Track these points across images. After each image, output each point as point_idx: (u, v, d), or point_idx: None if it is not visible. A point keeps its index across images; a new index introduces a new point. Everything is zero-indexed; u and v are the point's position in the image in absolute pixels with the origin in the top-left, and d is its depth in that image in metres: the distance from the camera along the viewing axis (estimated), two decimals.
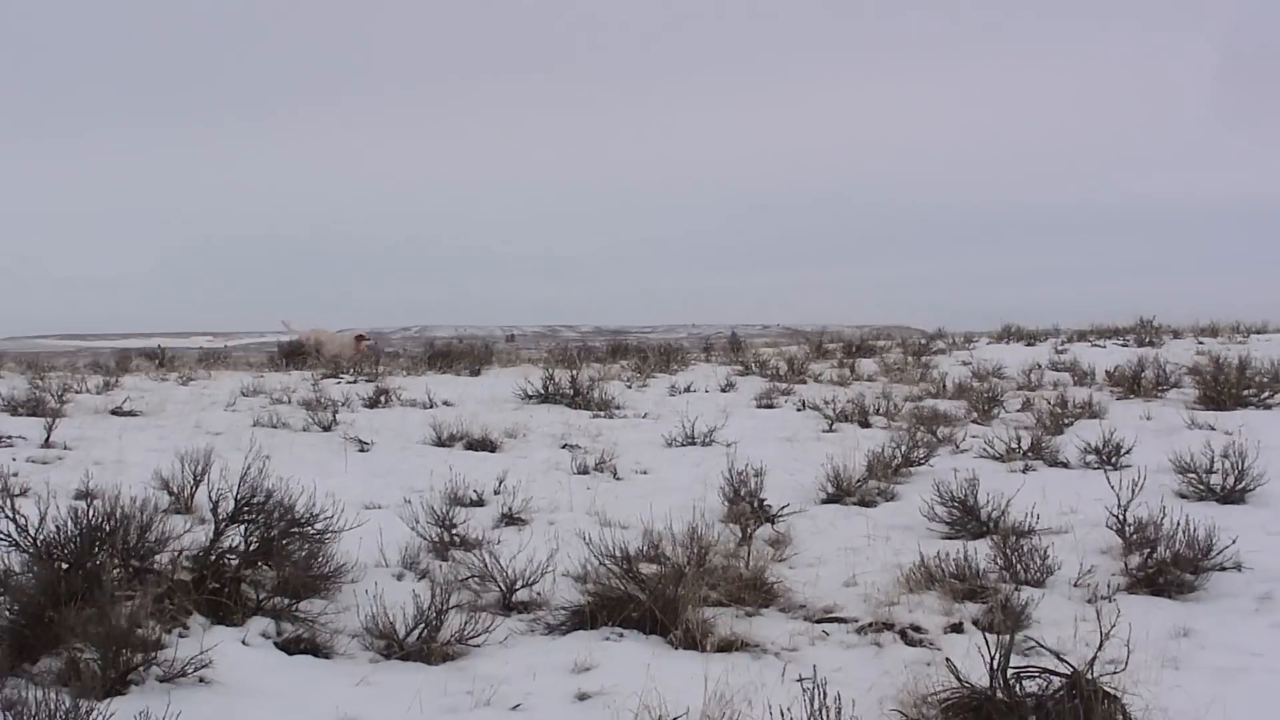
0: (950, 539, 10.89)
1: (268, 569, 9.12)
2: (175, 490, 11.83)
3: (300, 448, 15.18)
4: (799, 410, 19.15)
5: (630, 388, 22.02)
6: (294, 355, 27.10)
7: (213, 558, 8.83)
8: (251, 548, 9.06)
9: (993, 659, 6.29)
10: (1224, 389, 18.60)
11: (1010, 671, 6.29)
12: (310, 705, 6.98)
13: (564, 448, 15.64)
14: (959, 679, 6.45)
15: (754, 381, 22.98)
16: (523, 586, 9.19)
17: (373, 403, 18.86)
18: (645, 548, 9.74)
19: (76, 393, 19.53)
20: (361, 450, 15.21)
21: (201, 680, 7.28)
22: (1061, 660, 6.32)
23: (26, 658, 7.48)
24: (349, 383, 22.00)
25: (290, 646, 8.13)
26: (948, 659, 6.59)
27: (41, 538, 8.28)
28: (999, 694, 6.26)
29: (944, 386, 21.47)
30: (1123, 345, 29.12)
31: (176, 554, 8.82)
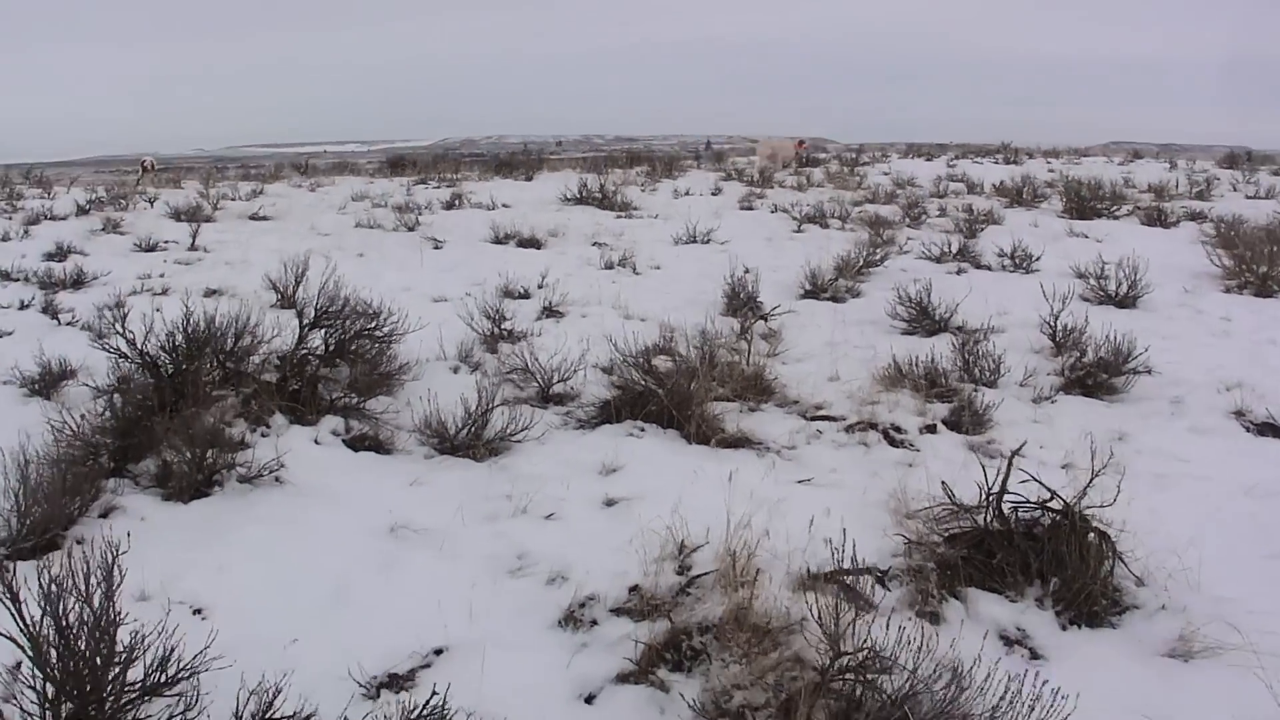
0: (909, 335, 9.23)
1: (344, 366, 7.55)
2: (281, 289, 10.12)
3: (389, 245, 13.26)
4: (772, 213, 17.03)
5: (644, 191, 19.65)
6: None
7: (295, 360, 7.31)
8: (329, 348, 7.55)
9: (989, 490, 4.62)
10: (1084, 203, 17.14)
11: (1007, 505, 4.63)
12: (367, 509, 5.40)
13: (594, 245, 13.63)
14: (954, 502, 4.78)
15: (735, 187, 20.67)
16: (559, 381, 7.54)
17: (449, 205, 16.83)
18: (661, 341, 8.22)
19: (230, 200, 17.67)
20: (436, 248, 13.27)
21: (277, 480, 5.70)
22: (1055, 495, 4.60)
23: (131, 458, 5.95)
24: (433, 187, 19.91)
25: (356, 444, 6.51)
26: (944, 483, 4.87)
27: (148, 349, 6.76)
28: (995, 524, 4.60)
29: (876, 194, 19.33)
30: (995, 163, 27.06)
31: (265, 357, 7.26)
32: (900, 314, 9.55)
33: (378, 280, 11.26)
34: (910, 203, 17.71)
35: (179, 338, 6.91)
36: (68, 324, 9.31)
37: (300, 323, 7.55)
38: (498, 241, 13.70)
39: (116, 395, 6.64)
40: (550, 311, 10.04)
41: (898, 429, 6.65)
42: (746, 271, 10.92)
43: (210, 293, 10.47)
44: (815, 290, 10.95)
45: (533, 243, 13.61)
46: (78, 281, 10.67)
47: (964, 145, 32.24)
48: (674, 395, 6.82)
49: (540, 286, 10.92)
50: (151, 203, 16.21)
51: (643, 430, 6.75)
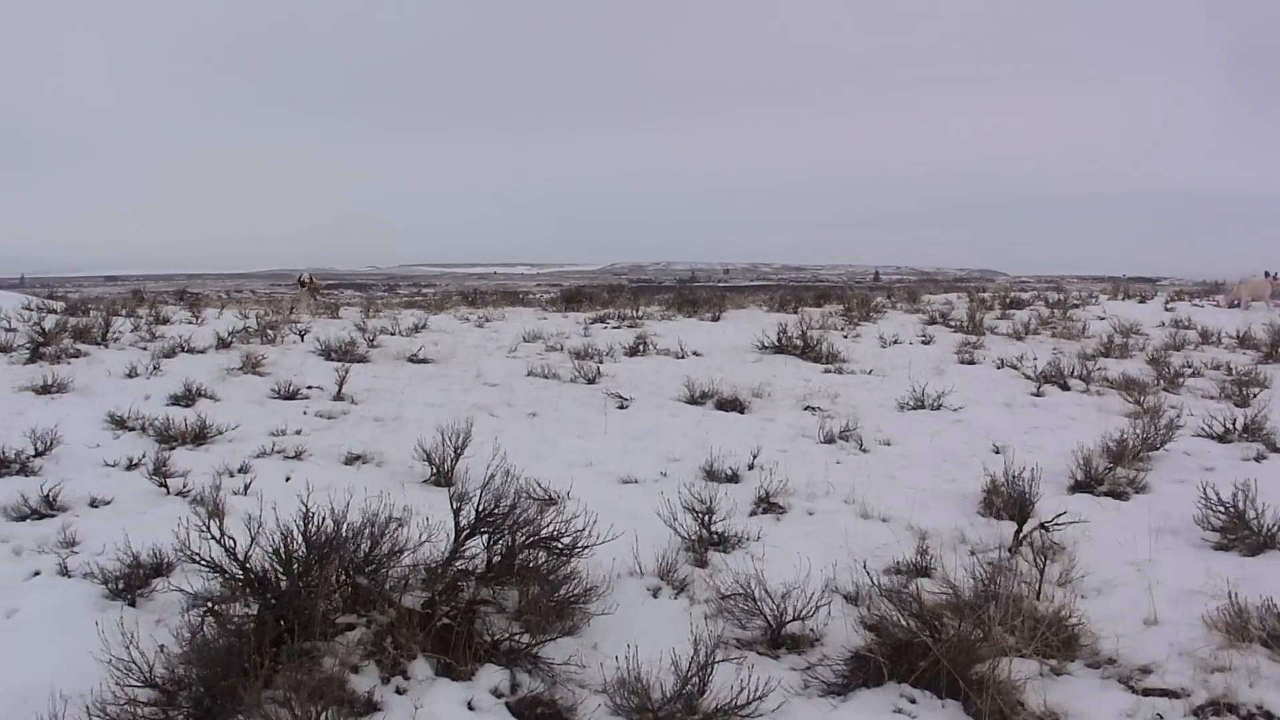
0: (1222, 549, 7.50)
1: (509, 587, 6.12)
2: (436, 463, 8.86)
3: (566, 402, 12.02)
4: (998, 368, 15.22)
5: (846, 337, 18.01)
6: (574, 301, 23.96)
7: (448, 577, 5.91)
8: (493, 562, 6.12)
9: None
10: None
11: None
12: None
13: (806, 409, 12.12)
14: None
15: (944, 334, 18.81)
16: (794, 619, 5.96)
17: (633, 351, 15.54)
18: (918, 557, 7.01)
19: (390, 334, 16.84)
20: (621, 407, 11.96)
21: None
22: None
23: (218, 715, 4.79)
24: (613, 327, 18.71)
25: (525, 711, 5.07)
26: None
27: (254, 558, 5.51)
28: None
29: (1109, 345, 17.14)
30: (1216, 306, 24.47)
31: (409, 570, 5.96)
32: (1210, 521, 7.76)
33: (553, 450, 9.98)
34: (1154, 358, 15.87)
35: (295, 541, 5.62)
36: (177, 493, 8.27)
37: (456, 523, 6.23)
38: (693, 401, 12.28)
39: (208, 620, 5.39)
40: (768, 505, 8.55)
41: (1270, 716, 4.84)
42: (997, 451, 9.89)
43: (352, 459, 9.34)
44: (1089, 482, 9.22)
45: (734, 405, 12.14)
46: (200, 436, 9.67)
47: (1153, 279, 29.67)
48: (952, 650, 5.31)
49: (751, 467, 9.55)
50: (302, 335, 15.46)
51: (913, 703, 5.27)
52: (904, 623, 5.71)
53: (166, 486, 8.26)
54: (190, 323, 17.64)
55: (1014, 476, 8.30)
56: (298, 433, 10.15)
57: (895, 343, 17.25)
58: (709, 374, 13.54)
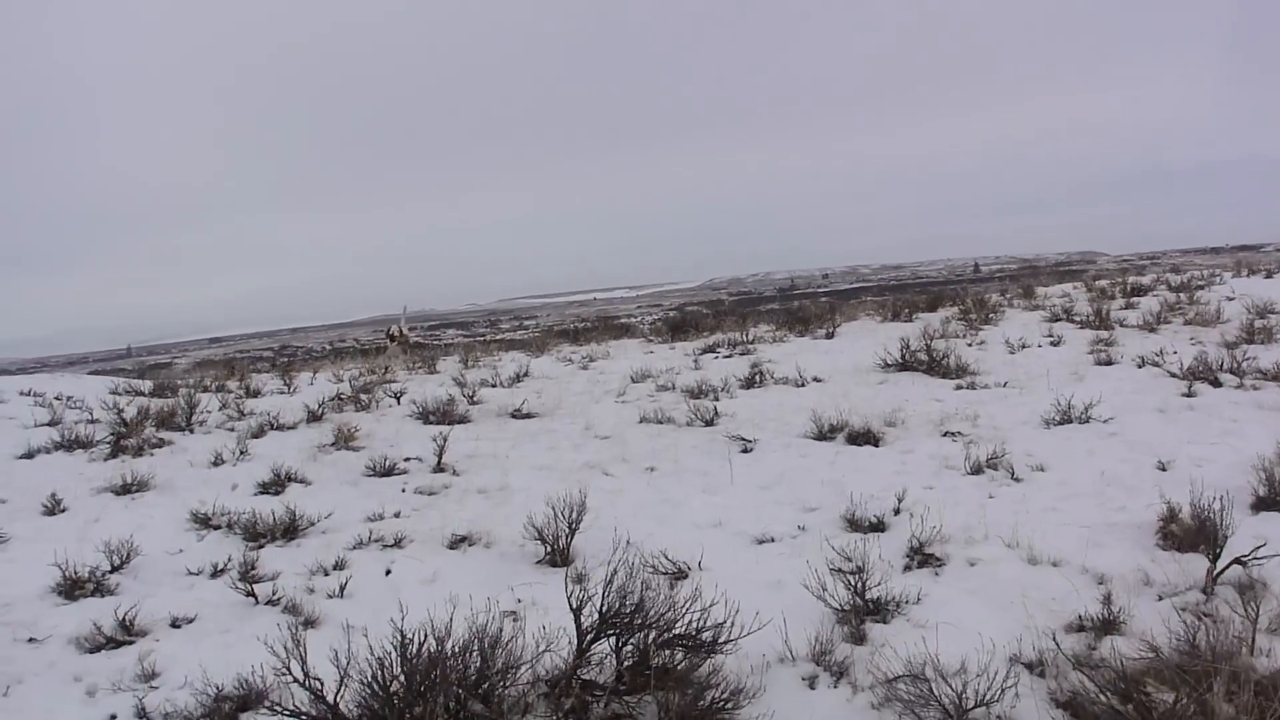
0: None
1: (645, 696, 5.40)
2: (549, 540, 8.16)
3: (685, 450, 11.26)
4: (1139, 367, 13.99)
5: (970, 345, 16.84)
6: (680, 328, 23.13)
7: (572, 692, 5.21)
8: (623, 668, 5.40)
9: None
10: None
11: None
12: None
13: (946, 435, 11.19)
14: None
15: (1070, 332, 17.38)
16: (977, 705, 5.16)
17: (749, 383, 14.67)
18: (1103, 611, 6.28)
19: (490, 386, 16.24)
20: (745, 450, 11.17)
21: None
22: None
23: None
24: (724, 356, 17.85)
25: None
26: None
27: (345, 700, 4.86)
28: None
29: (1250, 331, 15.72)
30: None
31: (529, 686, 5.38)
32: None
33: (676, 511, 9.25)
34: None
35: (393, 669, 4.97)
36: (266, 602, 7.71)
37: (578, 625, 5.51)
38: (821, 437, 11.45)
39: None
40: (922, 557, 7.82)
41: None
42: (1163, 469, 9.46)
43: (456, 541, 8.75)
44: (1274, 498, 8.21)
45: (867, 437, 11.27)
46: (290, 530, 9.13)
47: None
48: None
49: (897, 512, 8.79)
50: (398, 398, 14.91)
51: None
52: (1103, 699, 4.88)
53: (254, 595, 7.69)
54: (282, 392, 17.27)
55: (1198, 503, 7.33)
56: (396, 515, 9.56)
57: (1023, 346, 16.11)
58: (834, 403, 12.72)
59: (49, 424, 13.85)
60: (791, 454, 10.91)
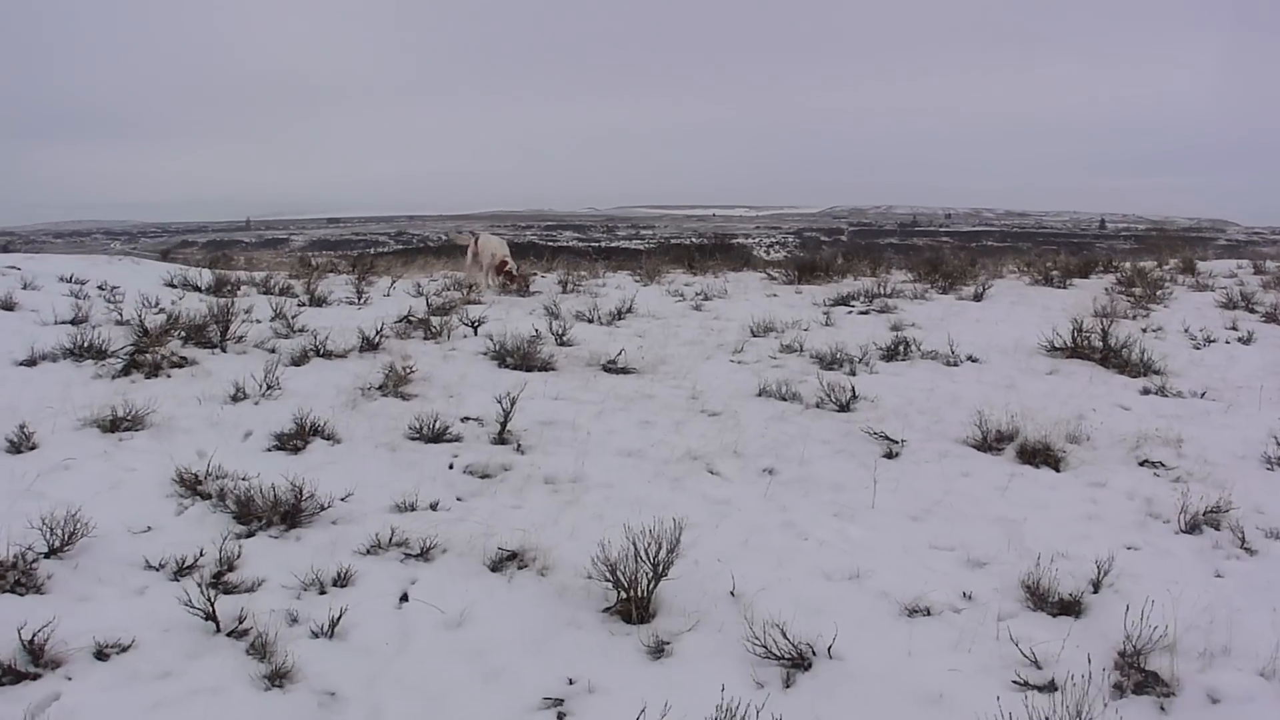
0: None
1: None
2: (626, 582, 5.99)
3: (814, 446, 8.93)
4: None
5: (1144, 331, 13.93)
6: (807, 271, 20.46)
7: None
8: None
9: None
10: None
11: None
12: None
13: (1143, 465, 8.73)
14: None
15: (1256, 326, 14.22)
16: None
17: (890, 353, 12.24)
18: None
19: (586, 321, 14.06)
20: (889, 455, 8.83)
21: None
22: None
23: None
24: (859, 313, 15.40)
25: None
26: None
27: None
28: None
29: None
30: None
31: None
32: None
33: (801, 548, 7.10)
34: None
35: None
36: (231, 633, 5.71)
37: None
38: (985, 446, 9.09)
39: None
40: (1139, 675, 5.71)
41: None
42: None
43: (503, 561, 6.64)
44: None
45: (1043, 455, 8.85)
46: (292, 514, 7.07)
47: None
48: None
49: (1097, 588, 6.47)
50: (475, 327, 12.78)
51: None
52: None
53: (216, 618, 5.64)
54: (351, 302, 15.29)
55: None
56: (433, 507, 7.41)
57: (1209, 341, 13.33)
58: (998, 397, 10.37)
59: (71, 321, 12.03)
60: (949, 468, 8.56)
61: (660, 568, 5.92)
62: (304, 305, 14.88)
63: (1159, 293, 17.06)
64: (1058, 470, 8.63)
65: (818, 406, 10.05)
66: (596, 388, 10.53)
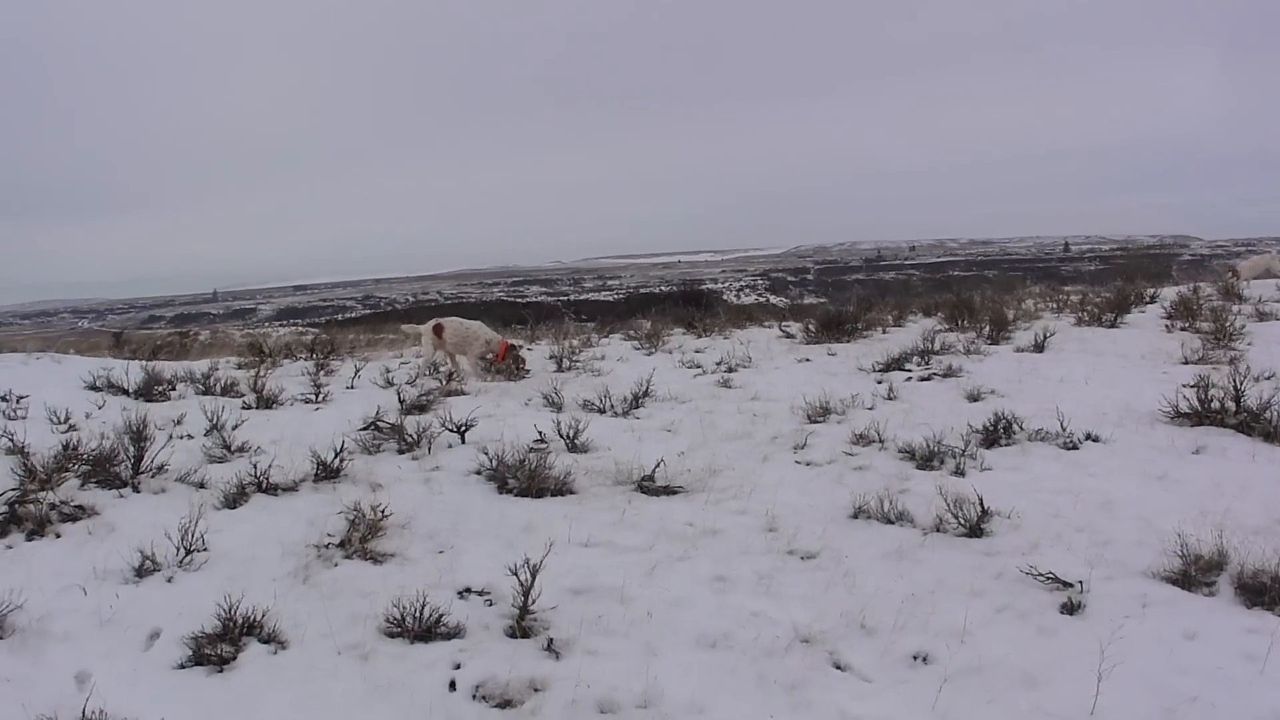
0: None
1: None
2: None
3: (960, 602, 6.21)
4: None
5: (1258, 379, 11.17)
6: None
7: None
8: None
9: None
10: None
11: None
12: None
13: None
14: None
15: None
16: None
17: (990, 437, 9.61)
18: None
19: (598, 412, 11.39)
20: (1069, 608, 6.09)
21: None
22: None
23: None
24: (920, 379, 12.76)
25: None
26: None
27: None
28: None
29: None
30: None
31: None
32: None
33: None
34: None
35: None
36: None
37: None
38: (1187, 580, 6.49)
39: None
40: None
41: None
42: None
43: None
44: None
45: (1275, 594, 6.20)
46: None
47: None
48: None
49: None
50: (461, 433, 10.09)
51: None
52: None
53: None
54: (308, 400, 12.57)
55: None
56: None
57: None
58: (1156, 496, 7.95)
59: None
60: (1163, 628, 5.84)
61: None
62: (249, 407, 12.16)
63: (1228, 326, 14.61)
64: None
65: (938, 530, 7.37)
66: (637, 522, 7.73)
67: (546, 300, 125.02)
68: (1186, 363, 12.76)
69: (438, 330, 14.74)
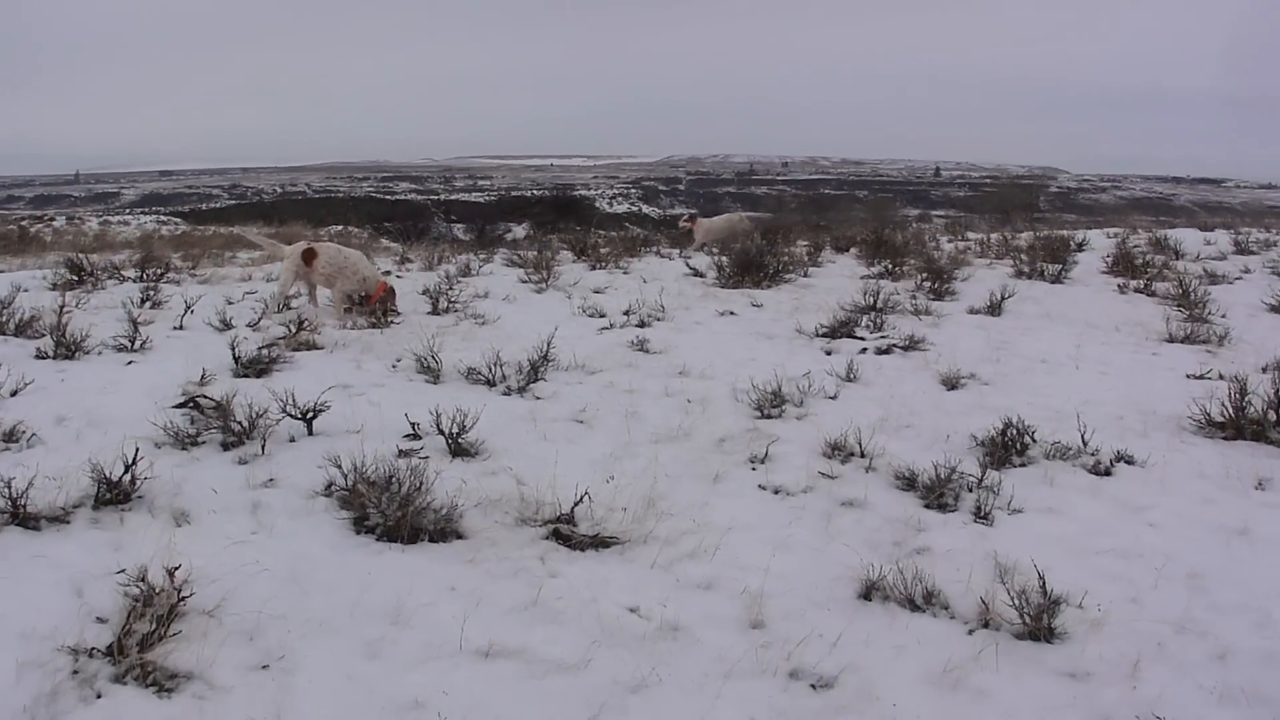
0: None
1: None
2: None
3: None
4: None
5: (1264, 370, 9.85)
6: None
7: None
8: None
9: None
10: None
11: None
12: None
13: None
14: None
15: None
16: None
17: (1000, 455, 7.42)
18: None
19: (487, 384, 9.02)
20: None
21: None
22: None
23: None
24: (877, 350, 10.69)
25: None
26: None
27: None
28: None
29: None
30: None
31: None
32: None
33: None
34: None
35: None
36: None
37: None
38: None
39: None
40: None
41: None
42: None
43: None
44: None
45: None
46: None
47: None
48: None
49: None
50: (309, 421, 7.59)
51: None
52: None
53: None
54: (123, 347, 9.89)
55: None
56: None
57: None
58: (1243, 561, 5.99)
59: None
60: None
61: None
62: (43, 356, 9.43)
63: (1194, 294, 13.03)
64: None
65: (986, 626, 5.16)
66: (560, 607, 5.18)
67: (416, 199, 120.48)
68: (1172, 340, 11.08)
69: (308, 257, 11.91)
